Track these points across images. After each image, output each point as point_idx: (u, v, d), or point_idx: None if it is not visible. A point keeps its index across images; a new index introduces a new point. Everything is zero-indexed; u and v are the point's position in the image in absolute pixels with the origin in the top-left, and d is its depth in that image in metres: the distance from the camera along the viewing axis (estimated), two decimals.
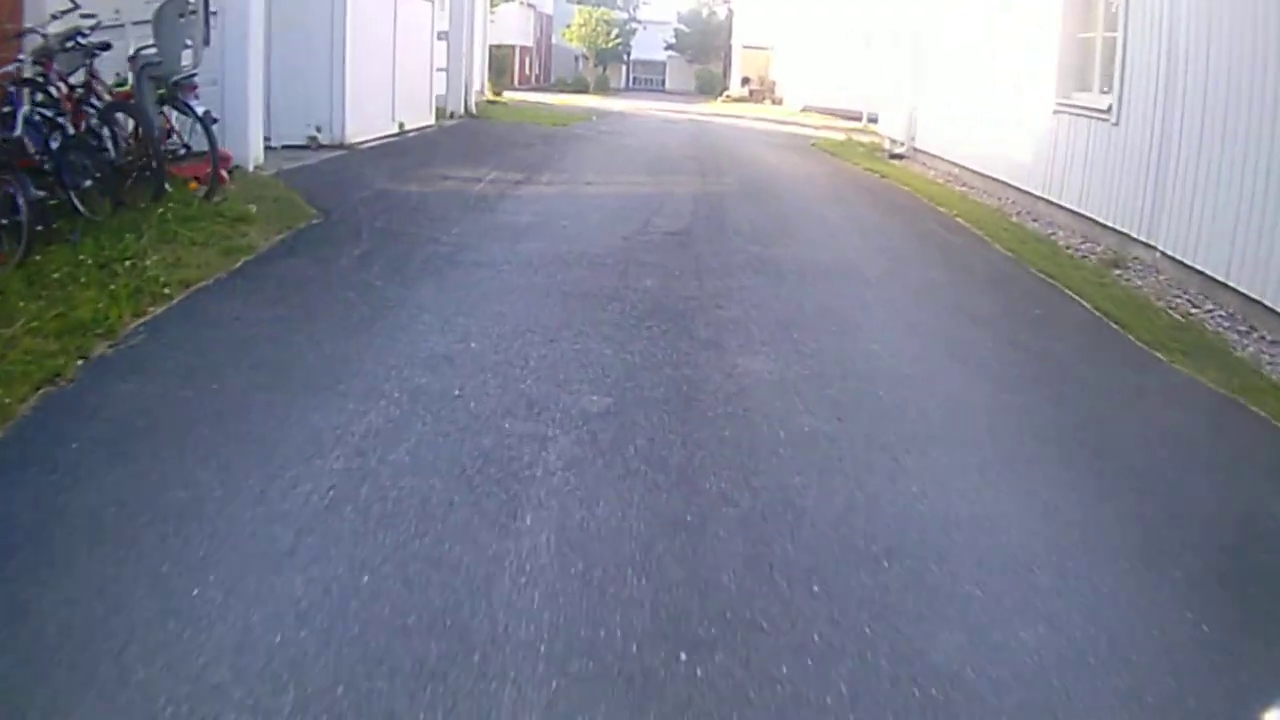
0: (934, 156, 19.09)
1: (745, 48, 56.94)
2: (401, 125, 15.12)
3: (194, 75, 8.89)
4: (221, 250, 7.42)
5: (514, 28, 58.58)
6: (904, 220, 12.18)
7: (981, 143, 16.20)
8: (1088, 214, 11.92)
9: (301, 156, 12.11)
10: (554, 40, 67.99)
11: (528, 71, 62.90)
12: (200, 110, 8.74)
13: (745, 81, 56.27)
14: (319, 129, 12.87)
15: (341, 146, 12.99)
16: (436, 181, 11.96)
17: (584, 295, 7.23)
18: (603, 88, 59.55)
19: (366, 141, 13.59)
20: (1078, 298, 8.54)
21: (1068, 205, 12.57)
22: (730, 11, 67.48)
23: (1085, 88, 12.83)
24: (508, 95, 39.81)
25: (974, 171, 16.46)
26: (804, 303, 7.60)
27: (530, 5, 62.24)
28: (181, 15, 8.68)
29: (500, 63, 34.78)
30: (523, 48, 61.36)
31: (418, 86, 15.64)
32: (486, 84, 30.18)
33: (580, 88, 58.07)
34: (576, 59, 66.58)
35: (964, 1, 17.92)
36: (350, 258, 7.82)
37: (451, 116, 18.35)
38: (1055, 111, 13.28)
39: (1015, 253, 10.43)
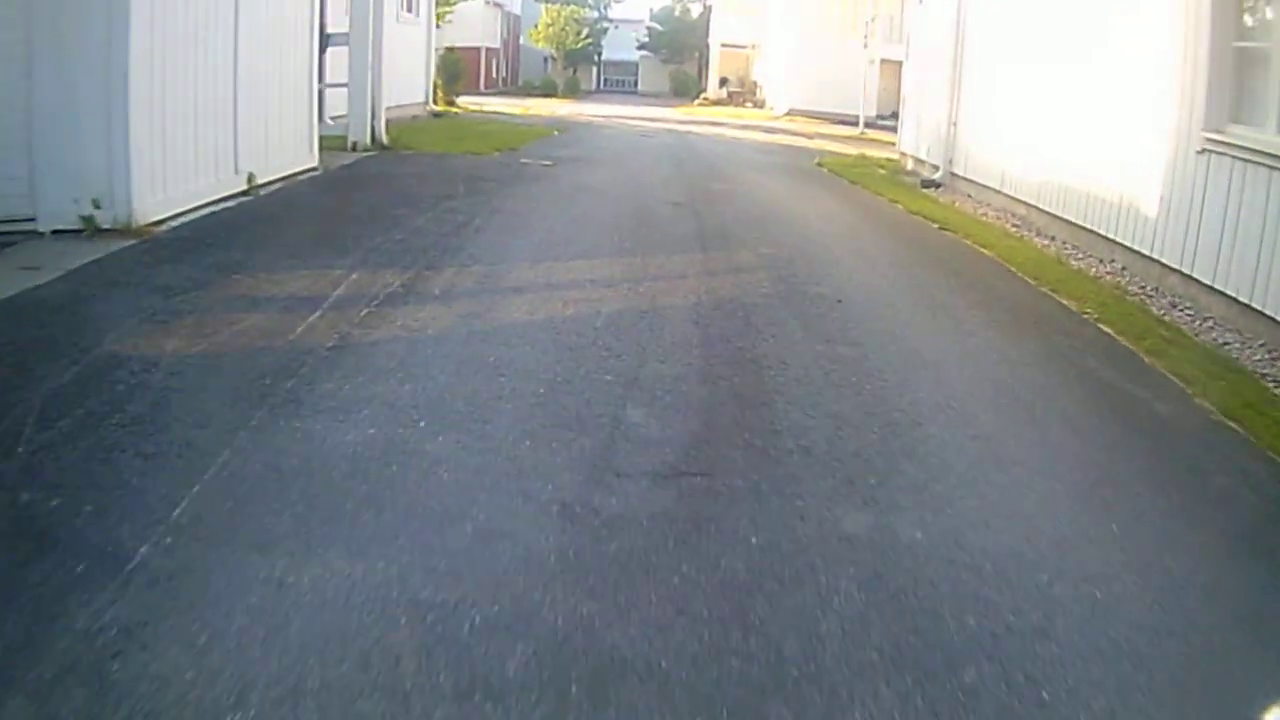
0: (984, 188, 14.22)
1: (724, 46, 51.82)
2: (251, 179, 9.69)
3: None
4: None
5: (478, 28, 53.23)
6: (1046, 351, 7.22)
7: (1070, 179, 11.34)
8: (1273, 314, 7.15)
9: (45, 260, 7.02)
10: (522, 41, 62.67)
11: (494, 75, 57.58)
12: None
13: (724, 83, 51.19)
14: (97, 203, 7.82)
15: (128, 231, 7.85)
16: (222, 327, 5.79)
17: None
18: (573, 90, 54.32)
19: (178, 216, 8.37)
20: None
21: (1231, 293, 7.75)
22: (708, 7, 62.48)
23: (1249, 120, 8.01)
24: (466, 101, 34.63)
25: (1055, 216, 11.58)
26: None
27: (497, 4, 56.88)
28: None
29: (453, 67, 29.64)
30: (488, 49, 56.03)
31: (285, 115, 10.52)
32: (432, 92, 25.01)
33: (549, 90, 52.84)
34: (545, 60, 61.27)
35: None
36: None
37: (353, 149, 13.27)
38: (1201, 151, 8.41)
39: (1201, 391, 5.71)
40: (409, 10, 22.81)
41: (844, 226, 11.61)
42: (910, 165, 19.47)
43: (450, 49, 31.89)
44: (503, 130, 21.13)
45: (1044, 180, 12.09)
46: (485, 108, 31.04)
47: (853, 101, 39.43)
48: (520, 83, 60.05)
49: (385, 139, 13.57)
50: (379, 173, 12.02)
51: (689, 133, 26.92)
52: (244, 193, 9.58)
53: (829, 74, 40.81)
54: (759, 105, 46.60)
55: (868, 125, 34.76)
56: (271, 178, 10.28)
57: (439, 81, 29.84)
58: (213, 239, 7.79)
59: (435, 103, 29.90)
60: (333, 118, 13.20)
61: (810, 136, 29.63)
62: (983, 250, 10.21)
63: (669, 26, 64.28)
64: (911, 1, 22.25)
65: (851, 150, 25.54)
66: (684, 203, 11.96)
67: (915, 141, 19.24)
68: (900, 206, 13.36)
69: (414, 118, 22.74)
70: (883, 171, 18.84)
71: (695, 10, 64.49)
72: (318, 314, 6.06)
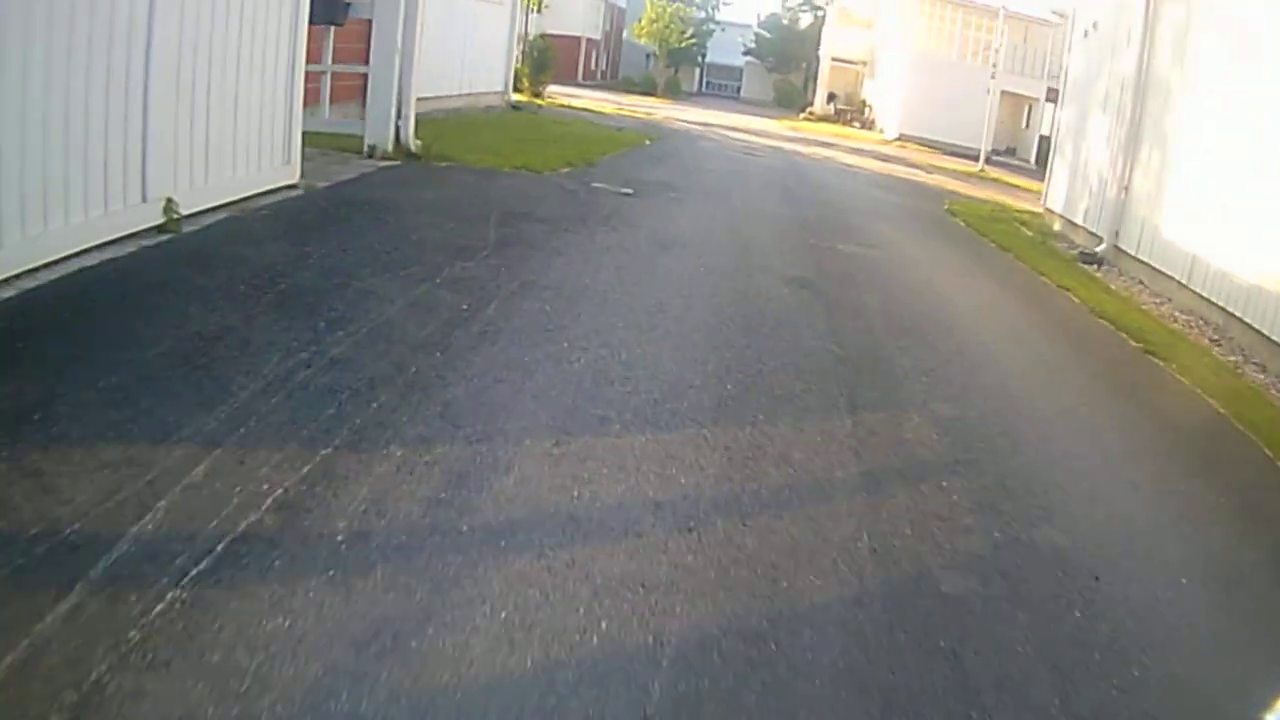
0: (1163, 275, 10.30)
1: (835, 61, 47.70)
2: (171, 209, 6.08)
3: None
4: None
5: (579, 17, 49.84)
6: None
7: None
8: None
9: None
10: (625, 35, 59.12)
11: (593, 67, 54.17)
12: None
13: (831, 98, 47.07)
14: None
15: None
16: None
17: None
18: (673, 91, 50.59)
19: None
20: None
21: None
22: (819, 19, 58.26)
23: None
24: (557, 92, 31.13)
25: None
26: None
27: None
28: None
29: (542, 55, 26.17)
30: (588, 40, 52.63)
31: (242, 108, 6.96)
32: (514, 81, 21.54)
33: (648, 89, 49.19)
34: (647, 57, 57.61)
35: None
36: None
37: (369, 155, 9.77)
38: None
39: None
40: None
41: (1028, 345, 7.78)
42: (1058, 226, 15.48)
43: (542, 35, 28.40)
44: (584, 134, 17.52)
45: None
46: (574, 102, 27.50)
47: (967, 132, 35.71)
48: (619, 77, 56.53)
49: (414, 143, 10.01)
50: (383, 199, 8.31)
51: (797, 153, 23.11)
52: (156, 229, 6.08)
53: (943, 101, 37.00)
54: (866, 126, 42.47)
55: (988, 163, 30.62)
56: (213, 203, 6.72)
57: (524, 70, 26.44)
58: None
59: (520, 92, 26.50)
60: (340, 117, 9.89)
61: (927, 170, 25.69)
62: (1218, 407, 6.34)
63: (777, 34, 60.20)
64: (1073, 31, 18.14)
65: (977, 192, 21.64)
66: (807, 279, 8.17)
67: (1067, 198, 15.24)
68: (1074, 298, 9.48)
69: (486, 108, 19.28)
70: (1028, 232, 14.88)
71: (805, 20, 60.42)
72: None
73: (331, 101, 10.38)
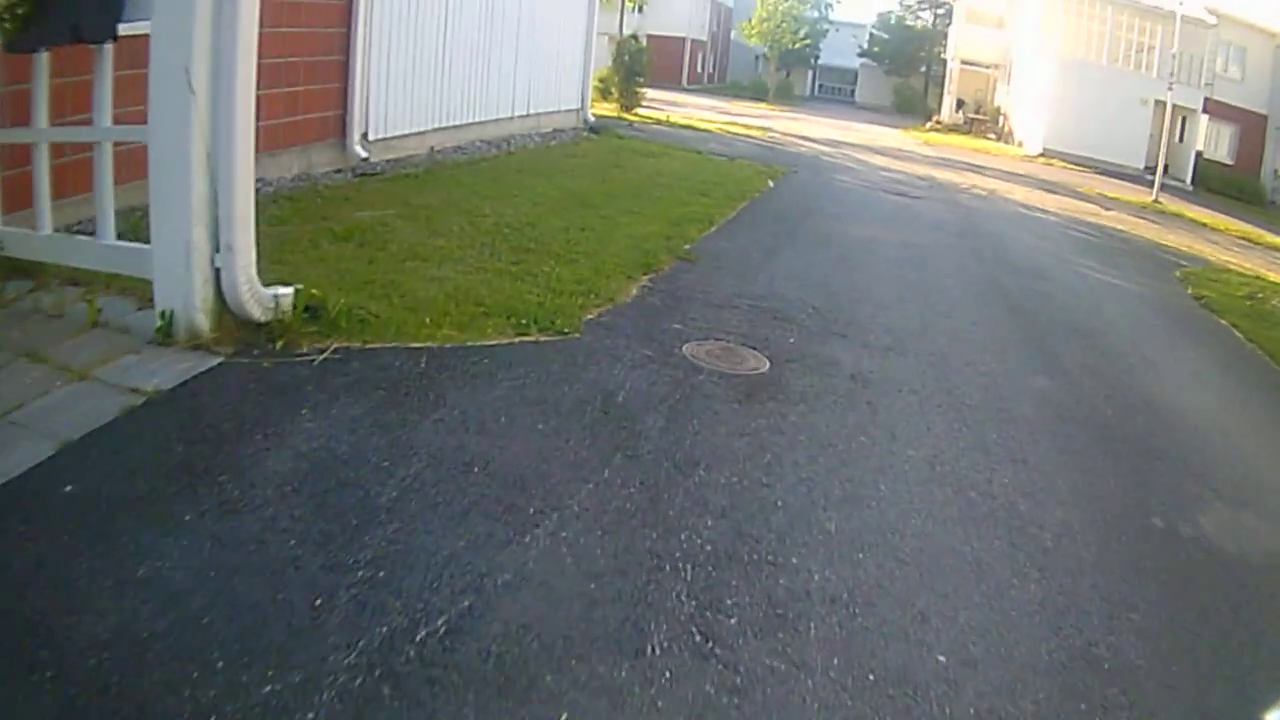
0: None
1: (964, 64, 40.69)
2: None
3: None
4: None
5: (683, 17, 43.80)
6: None
7: None
8: None
9: None
10: (733, 36, 52.85)
11: (698, 70, 48.05)
12: None
13: (960, 105, 40.17)
14: None
15: None
16: None
17: None
18: (785, 95, 44.22)
19: None
20: None
21: None
22: (939, 16, 51.03)
23: None
24: (658, 97, 25.23)
25: None
26: None
27: None
28: None
29: (634, 60, 20.38)
30: (694, 41, 46.54)
31: None
32: (589, 96, 15.77)
33: (759, 94, 42.94)
34: (756, 59, 51.20)
35: None
36: None
37: (168, 335, 3.80)
38: None
39: None
40: None
41: None
42: None
43: (634, 36, 22.54)
44: (678, 175, 11.63)
45: None
46: (674, 115, 21.59)
47: (1119, 148, 29.63)
48: (728, 81, 50.36)
49: (266, 299, 4.04)
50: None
51: (955, 188, 16.86)
52: None
53: (1092, 112, 30.43)
54: (1002, 138, 35.56)
55: (1162, 189, 23.80)
56: None
57: (613, 79, 20.66)
58: None
59: (609, 100, 20.71)
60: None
61: (1101, 203, 19.28)
62: None
63: (894, 34, 53.13)
64: None
65: (1190, 244, 15.31)
66: None
67: None
68: None
69: (552, 134, 13.56)
70: None
71: (926, 19, 53.25)
72: None
73: (64, 196, 4.41)
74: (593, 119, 15.68)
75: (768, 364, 5.12)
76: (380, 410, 3.74)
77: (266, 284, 4.29)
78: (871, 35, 54.34)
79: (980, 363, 5.93)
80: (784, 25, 43.60)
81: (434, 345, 4.45)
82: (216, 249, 3.96)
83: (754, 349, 5.33)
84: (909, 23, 53.81)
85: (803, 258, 8.19)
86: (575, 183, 9.92)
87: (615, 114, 19.41)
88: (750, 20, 44.49)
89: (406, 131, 9.71)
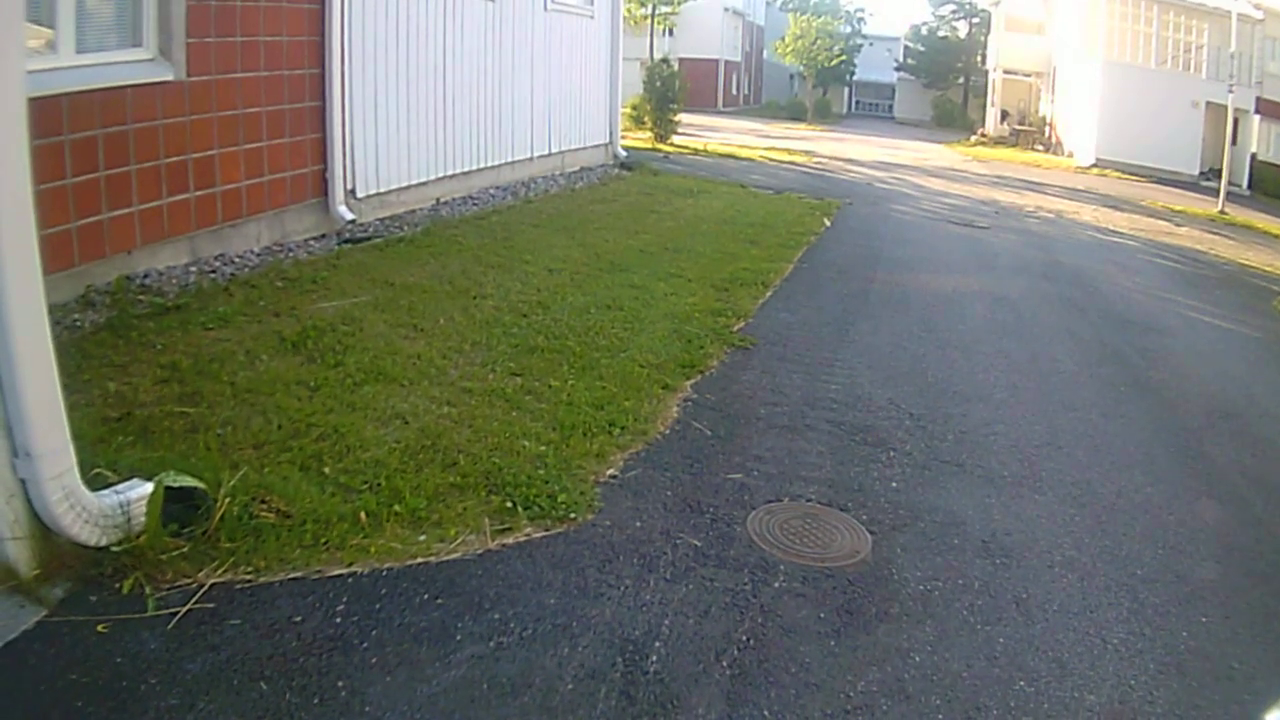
0: None
1: (1006, 74, 38.54)
2: None
3: None
4: None
5: (715, 39, 42.09)
6: None
7: None
8: None
9: None
10: (765, 55, 51.06)
11: (733, 91, 46.29)
12: None
13: (1004, 117, 38.02)
14: None
15: None
16: None
17: None
18: (823, 114, 42.26)
19: None
20: None
21: None
22: (975, 25, 48.79)
23: None
24: (694, 123, 23.56)
25: None
26: None
27: (737, 13, 45.44)
28: None
29: (667, 85, 18.65)
30: (728, 63, 44.81)
31: None
32: (618, 127, 14.09)
33: (796, 113, 41.07)
34: (791, 78, 49.34)
35: None
36: None
37: None
38: None
39: None
40: None
41: None
42: None
43: (665, 60, 20.85)
44: (719, 220, 9.88)
45: None
46: (711, 143, 19.88)
47: (1169, 154, 27.95)
48: (764, 101, 48.58)
49: (135, 516, 2.46)
50: None
51: (1021, 211, 14.94)
52: None
53: (1143, 117, 28.17)
54: (1051, 149, 33.35)
55: (1229, 197, 21.61)
56: None
57: (645, 106, 19.01)
58: None
59: (642, 128, 19.05)
60: None
61: (1171, 219, 17.25)
62: None
63: (929, 47, 50.95)
64: None
65: (1267, 258, 13.43)
66: None
67: None
68: None
69: (578, 173, 11.94)
70: None
71: (961, 30, 51.03)
72: None
73: None
74: (623, 153, 14.03)
75: (869, 541, 3.39)
76: None
77: (124, 473, 2.68)
78: (906, 48, 52.30)
79: (1132, 489, 4.18)
80: (819, 43, 41.66)
81: (363, 570, 2.78)
82: (16, 453, 2.37)
83: (845, 510, 3.60)
84: (943, 34, 51.63)
85: (883, 330, 6.43)
86: (602, 237, 8.25)
87: (649, 144, 17.75)
88: (784, 39, 42.62)
89: (403, 184, 8.11)
